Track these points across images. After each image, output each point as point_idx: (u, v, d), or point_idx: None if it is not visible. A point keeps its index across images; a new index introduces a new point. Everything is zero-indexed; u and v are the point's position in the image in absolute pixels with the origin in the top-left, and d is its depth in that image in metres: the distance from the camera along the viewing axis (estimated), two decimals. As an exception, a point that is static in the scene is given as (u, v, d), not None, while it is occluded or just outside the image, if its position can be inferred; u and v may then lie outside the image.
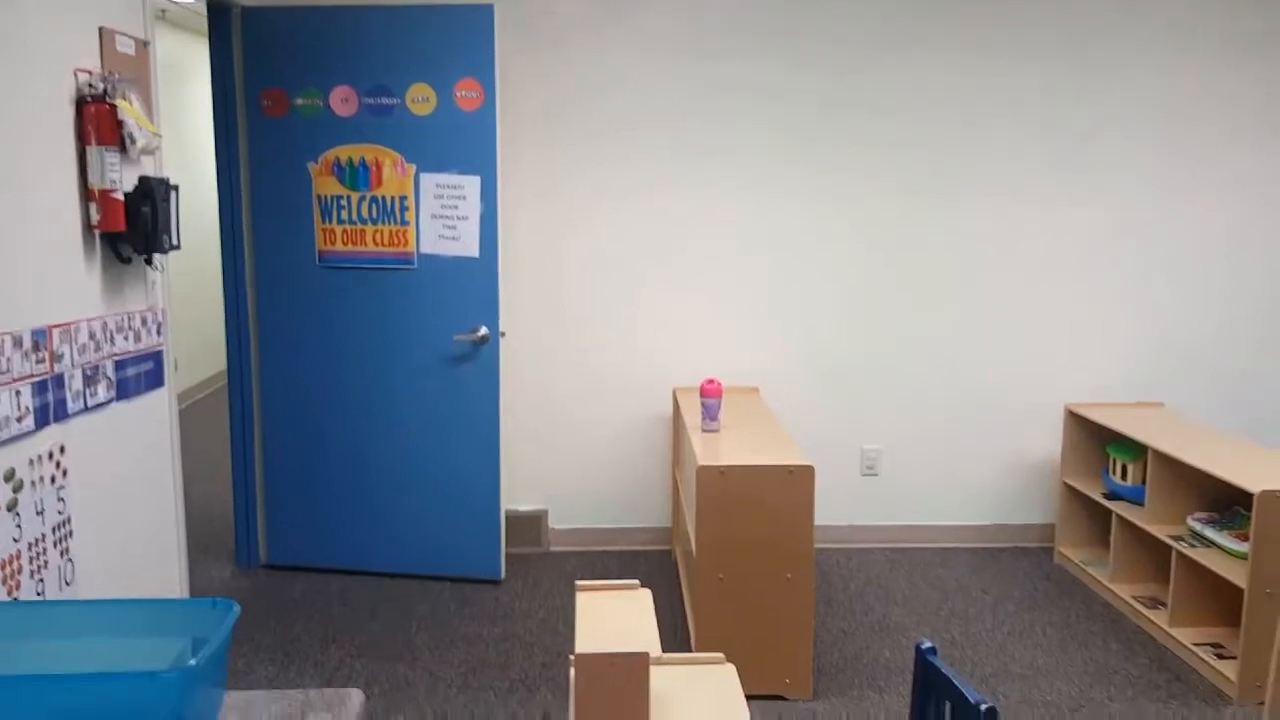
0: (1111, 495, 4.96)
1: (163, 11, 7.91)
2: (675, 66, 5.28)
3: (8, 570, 2.99)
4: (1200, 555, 4.23)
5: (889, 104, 5.34)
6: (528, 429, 5.51)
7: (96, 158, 3.39)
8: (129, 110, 3.47)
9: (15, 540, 3.02)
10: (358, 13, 4.82)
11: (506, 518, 5.29)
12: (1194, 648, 4.26)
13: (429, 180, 4.86)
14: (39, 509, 3.14)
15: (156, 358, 3.89)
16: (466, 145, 4.81)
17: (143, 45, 3.75)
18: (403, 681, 4.13)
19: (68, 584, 3.29)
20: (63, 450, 3.27)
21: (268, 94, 4.94)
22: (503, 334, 4.99)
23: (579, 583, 2.55)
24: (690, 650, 4.22)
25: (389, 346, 5.00)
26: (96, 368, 3.46)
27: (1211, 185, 5.45)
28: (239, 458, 5.27)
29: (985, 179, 5.40)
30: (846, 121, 5.35)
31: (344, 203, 4.93)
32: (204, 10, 5.05)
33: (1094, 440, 5.25)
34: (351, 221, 4.94)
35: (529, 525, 5.55)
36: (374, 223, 4.92)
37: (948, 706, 2.18)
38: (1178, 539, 4.39)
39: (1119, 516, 4.82)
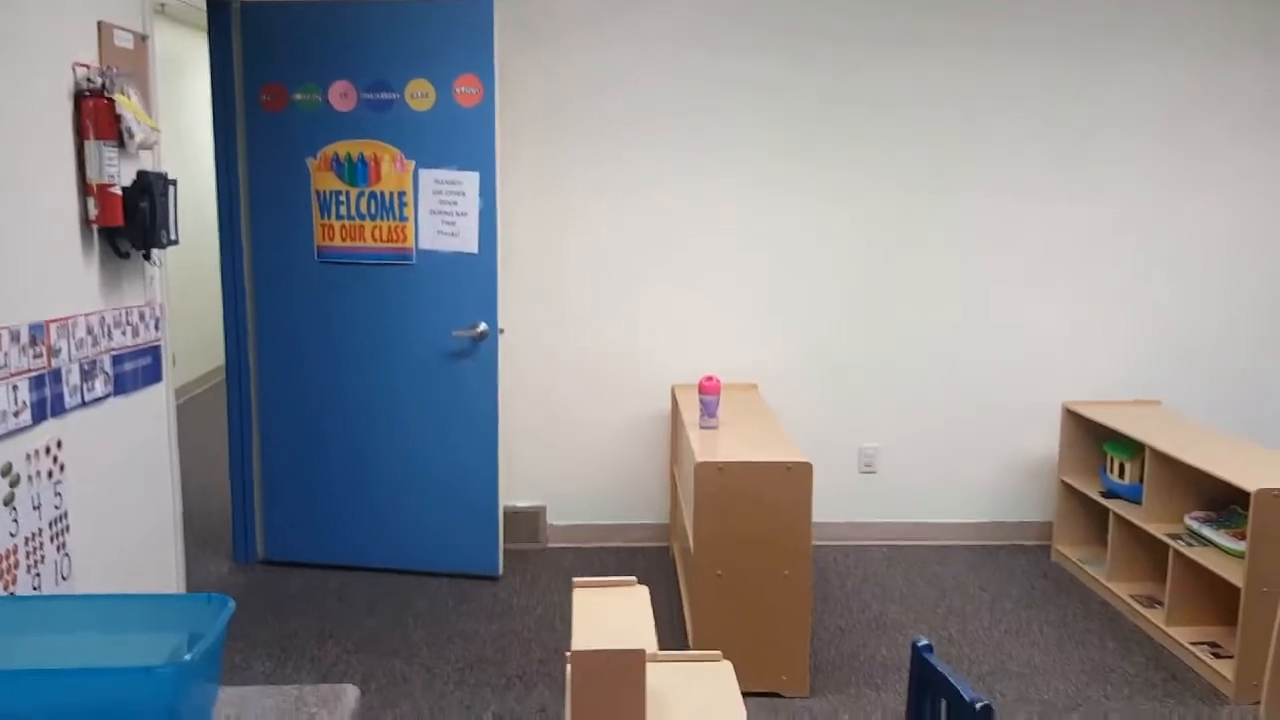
0: (1109, 494, 4.97)
1: (161, 5, 7.90)
2: (675, 63, 5.28)
3: (4, 565, 2.99)
4: (1197, 554, 4.23)
5: (889, 101, 5.34)
6: (526, 425, 5.51)
7: (95, 152, 3.39)
8: (127, 105, 3.47)
9: (12, 535, 3.02)
10: (357, 8, 4.81)
11: (504, 514, 5.29)
12: (1191, 646, 4.26)
13: (428, 176, 4.86)
14: (36, 504, 3.14)
15: (154, 353, 3.88)
16: (465, 141, 4.81)
17: (141, 40, 3.75)
18: (399, 677, 4.13)
19: (64, 579, 3.29)
20: (60, 445, 3.27)
21: (267, 89, 4.94)
22: (501, 330, 4.99)
23: (576, 579, 2.55)
24: (688, 647, 4.22)
25: (387, 342, 5.00)
26: (94, 362, 3.46)
27: (1211, 182, 5.45)
28: (237, 453, 5.27)
29: (985, 175, 5.40)
30: (846, 118, 5.35)
31: (343, 198, 4.93)
32: (203, 4, 5.04)
33: (1092, 438, 5.25)
34: (350, 217, 4.93)
35: (527, 521, 5.55)
36: (373, 218, 4.92)
37: (944, 704, 2.18)
38: (1175, 538, 4.39)
39: (1116, 515, 4.82)
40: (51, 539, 3.22)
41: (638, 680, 2.06)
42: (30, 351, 3.11)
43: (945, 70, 5.31)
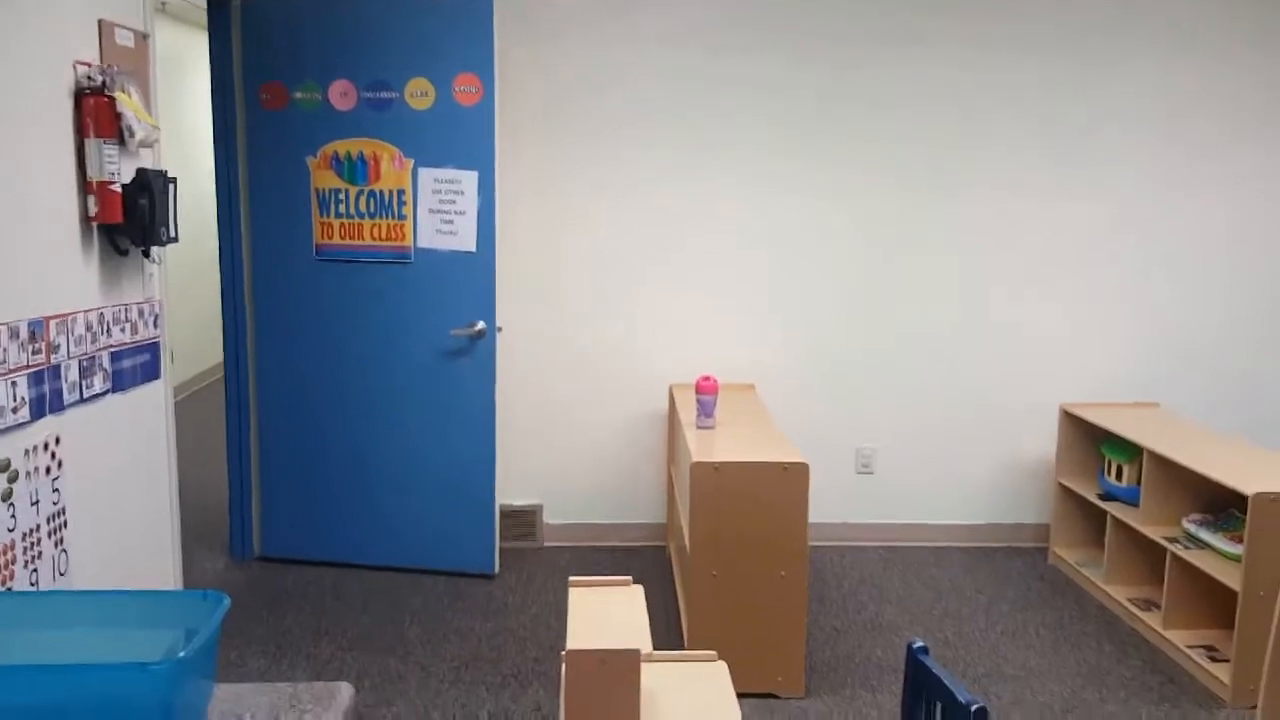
0: (1106, 496, 4.97)
1: (162, 4, 7.91)
2: (674, 62, 5.28)
3: (2, 561, 3.00)
4: (1194, 557, 4.23)
5: (888, 99, 5.34)
6: (524, 424, 5.51)
7: (95, 150, 3.39)
8: (128, 103, 3.47)
9: (10, 530, 3.03)
10: (357, 7, 4.82)
11: (501, 512, 5.29)
12: (1187, 650, 4.27)
13: (427, 175, 4.86)
14: (34, 499, 3.14)
15: (153, 349, 3.89)
16: (465, 140, 4.81)
17: (142, 38, 3.75)
18: (394, 675, 4.14)
19: (62, 574, 3.30)
20: (58, 441, 3.27)
21: (266, 87, 4.94)
22: (499, 329, 5.00)
23: (572, 578, 2.55)
24: (683, 647, 4.22)
25: (386, 340, 5.01)
26: (93, 359, 3.46)
27: (1211, 181, 5.45)
28: (234, 450, 5.28)
29: (984, 175, 5.41)
30: (846, 117, 5.36)
31: (342, 197, 4.93)
32: (203, 3, 5.05)
33: (1089, 440, 5.25)
34: (349, 215, 4.94)
35: (523, 520, 5.56)
36: (371, 217, 4.92)
37: (939, 706, 2.18)
38: (1172, 540, 4.40)
39: (1113, 517, 4.82)
40: (49, 535, 3.23)
41: (633, 680, 2.06)
42: (29, 348, 3.11)
43: (944, 69, 5.32)
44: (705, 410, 4.48)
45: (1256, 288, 5.53)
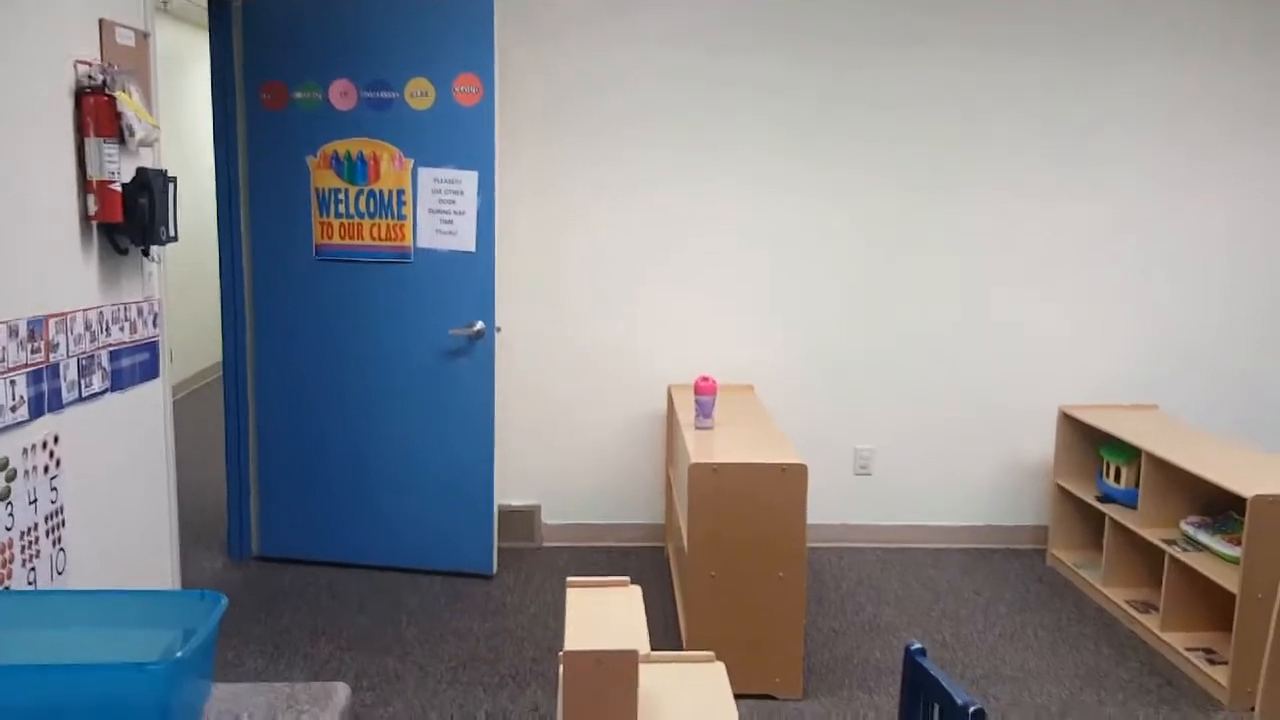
0: (1104, 498, 4.97)
1: (163, 3, 7.91)
2: (675, 62, 5.29)
3: (0, 559, 3.00)
4: (1192, 559, 4.23)
5: (889, 99, 5.34)
6: (523, 424, 5.51)
7: (95, 149, 3.39)
8: (128, 102, 3.47)
9: (8, 529, 3.03)
10: (357, 7, 4.82)
11: (499, 512, 5.29)
12: (1185, 652, 4.27)
13: (427, 175, 4.86)
14: (32, 498, 3.14)
15: (152, 348, 3.89)
16: (465, 140, 4.82)
17: (143, 37, 3.75)
18: (392, 675, 4.14)
19: (59, 573, 3.30)
20: (56, 440, 3.27)
21: (267, 87, 4.94)
22: (499, 329, 5.00)
23: (570, 579, 2.55)
24: (681, 648, 4.22)
25: (385, 340, 5.01)
26: (92, 358, 3.46)
27: (1211, 182, 5.45)
28: (233, 449, 5.28)
29: (985, 175, 5.41)
30: (846, 117, 5.36)
31: (341, 196, 4.93)
32: (204, 2, 5.05)
33: (1087, 442, 5.25)
34: (349, 215, 4.94)
35: (522, 520, 5.56)
36: (371, 217, 4.92)
37: (936, 708, 2.18)
38: (1170, 543, 4.40)
39: (1112, 519, 4.83)
40: (47, 534, 3.23)
41: (631, 681, 2.06)
42: (28, 346, 3.11)
43: (945, 69, 5.32)
44: (704, 411, 4.49)
45: (1257, 288, 5.53)
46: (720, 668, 2.35)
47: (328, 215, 4.96)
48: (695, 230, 5.41)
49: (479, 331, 4.90)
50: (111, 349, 3.59)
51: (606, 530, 5.62)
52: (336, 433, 5.12)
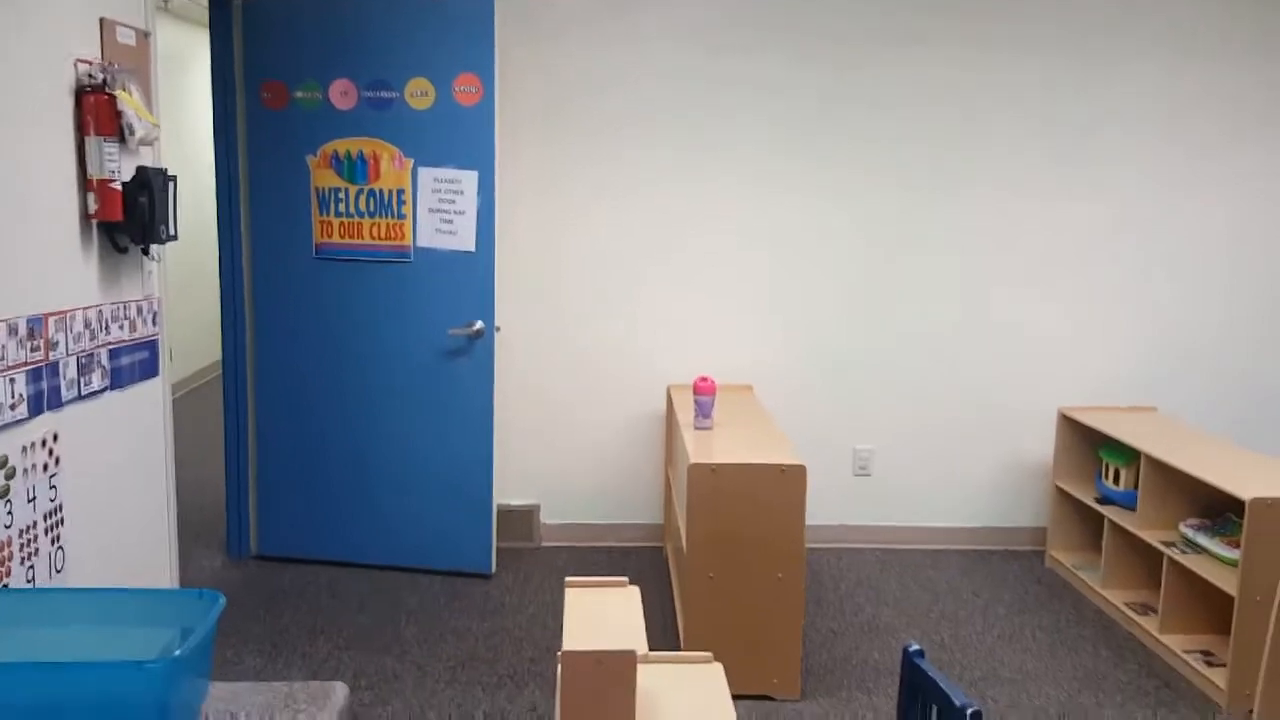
0: (1103, 500, 4.97)
1: (164, 2, 7.91)
2: (675, 62, 5.29)
3: (-2, 557, 3.00)
4: (1191, 561, 4.24)
5: (889, 99, 5.34)
6: (522, 423, 5.52)
7: (95, 148, 3.39)
8: (128, 101, 3.47)
9: (6, 527, 3.03)
10: (358, 7, 4.82)
11: (498, 512, 5.29)
12: (1184, 655, 4.27)
13: (427, 174, 4.87)
14: (31, 496, 3.14)
15: (151, 347, 3.89)
16: (465, 140, 4.82)
17: (143, 36, 3.76)
18: (390, 674, 4.14)
19: (58, 571, 3.30)
20: (56, 438, 3.27)
21: (267, 86, 4.95)
22: (498, 329, 5.00)
23: (568, 579, 2.56)
24: (679, 648, 4.22)
25: (384, 339, 5.01)
26: (91, 356, 3.46)
27: (1211, 182, 5.45)
28: (232, 448, 5.28)
29: (985, 174, 5.41)
30: (846, 117, 5.36)
31: (341, 196, 4.93)
32: (205, 1, 5.05)
33: (1087, 444, 5.25)
34: (349, 214, 4.94)
35: (521, 520, 5.56)
36: (371, 216, 4.92)
37: (934, 710, 2.18)
38: (1169, 545, 4.40)
39: (1111, 521, 4.83)
40: (46, 532, 3.23)
41: (628, 681, 2.06)
42: (28, 344, 3.11)
43: (945, 69, 5.32)
44: (703, 411, 4.49)
45: (1257, 288, 5.53)
46: (718, 668, 2.35)
47: (328, 214, 4.96)
48: (695, 230, 5.41)
49: (478, 331, 4.90)
50: (111, 347, 3.59)
51: (605, 530, 5.62)
52: (336, 432, 5.12)
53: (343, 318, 5.03)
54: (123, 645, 1.82)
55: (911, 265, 5.47)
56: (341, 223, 4.95)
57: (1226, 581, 4.01)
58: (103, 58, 3.48)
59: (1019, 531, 5.68)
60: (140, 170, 3.53)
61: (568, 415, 5.54)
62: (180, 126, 8.66)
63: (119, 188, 3.47)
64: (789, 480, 3.92)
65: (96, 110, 3.38)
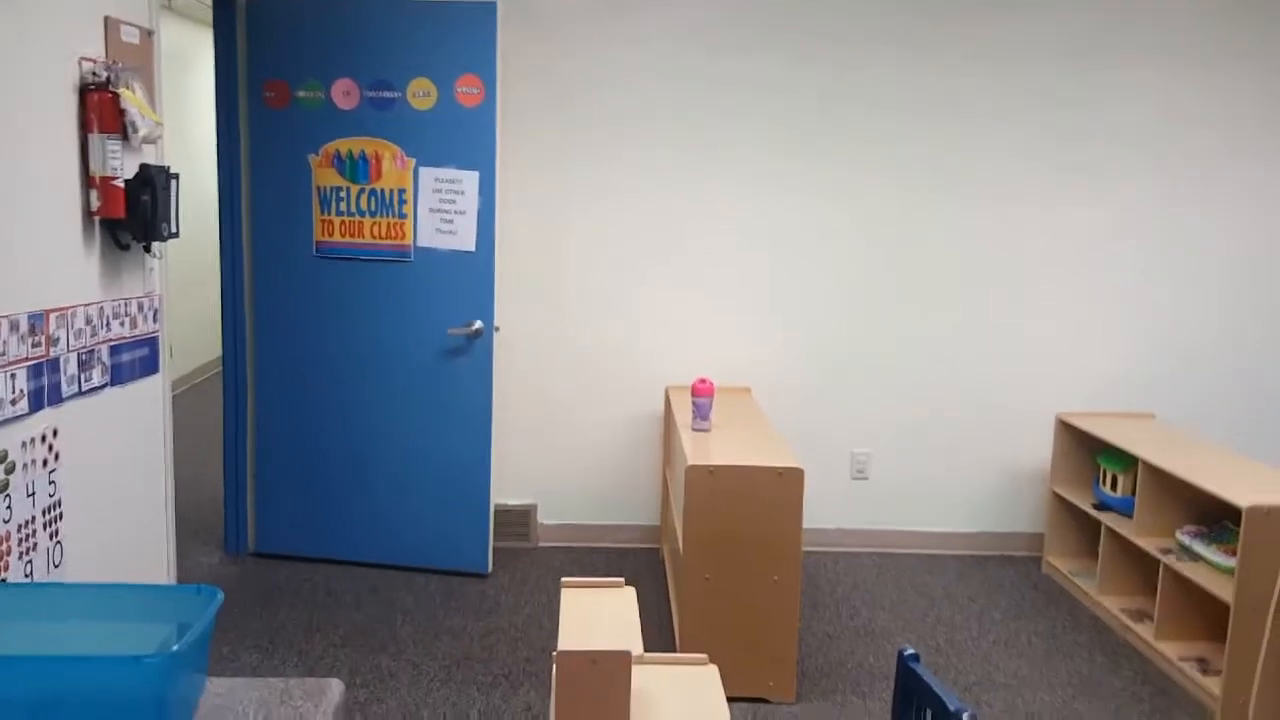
0: (1101, 506, 4.98)
1: (168, 1, 7.92)
2: (675, 62, 5.29)
3: (-3, 552, 3.01)
4: (1188, 569, 4.24)
5: (889, 101, 5.35)
6: (521, 423, 5.52)
7: (98, 145, 3.41)
8: (131, 99, 3.49)
9: (5, 522, 3.03)
10: (360, 7, 4.83)
11: (495, 512, 5.30)
12: (1179, 662, 4.27)
13: (428, 174, 4.88)
14: (30, 491, 3.15)
15: (152, 344, 3.90)
16: (466, 140, 4.83)
17: (147, 35, 3.77)
18: (386, 673, 4.14)
19: (56, 566, 3.31)
20: (55, 434, 3.28)
21: (270, 85, 4.95)
22: (497, 329, 5.01)
23: (564, 579, 2.56)
24: (675, 649, 4.23)
25: (383, 338, 5.02)
26: (92, 352, 3.47)
27: (1210, 187, 5.45)
28: (231, 445, 5.29)
29: (985, 177, 5.41)
30: (846, 117, 5.36)
31: (343, 195, 4.94)
32: (209, 0, 5.06)
33: (1084, 450, 5.26)
34: (350, 213, 4.95)
35: (518, 520, 5.57)
36: (372, 215, 4.93)
37: (928, 714, 2.19)
38: (1166, 552, 4.41)
39: (1108, 528, 4.83)
40: (44, 526, 3.24)
41: (623, 682, 2.07)
42: (29, 340, 3.12)
43: (945, 72, 5.33)
44: (701, 413, 4.49)
45: (1255, 294, 5.54)
46: (713, 670, 2.36)
47: (329, 213, 4.97)
48: (695, 230, 5.42)
49: (477, 331, 4.91)
50: (112, 344, 3.60)
51: (603, 531, 5.63)
52: (334, 430, 5.13)
53: (343, 316, 5.04)
54: (120, 640, 1.83)
55: (911, 268, 5.47)
56: (342, 222, 4.96)
57: (1223, 589, 4.02)
58: (106, 56, 3.49)
59: (1016, 537, 5.68)
60: (143, 168, 3.54)
61: (566, 416, 5.55)
62: (183, 125, 8.67)
63: (121, 185, 3.48)
64: (786, 483, 3.92)
65: (100, 108, 3.39)
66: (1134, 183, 5.43)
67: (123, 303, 3.67)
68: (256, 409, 5.22)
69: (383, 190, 4.91)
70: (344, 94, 4.89)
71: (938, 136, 5.38)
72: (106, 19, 3.50)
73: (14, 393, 3.05)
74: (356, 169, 4.92)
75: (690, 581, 4.00)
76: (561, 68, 5.29)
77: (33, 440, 3.16)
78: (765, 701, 4.02)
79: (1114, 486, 4.89)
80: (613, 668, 2.07)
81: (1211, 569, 4.21)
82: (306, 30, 4.88)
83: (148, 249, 3.79)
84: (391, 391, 5.05)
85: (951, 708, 2.06)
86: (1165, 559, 4.35)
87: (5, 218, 3.02)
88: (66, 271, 3.34)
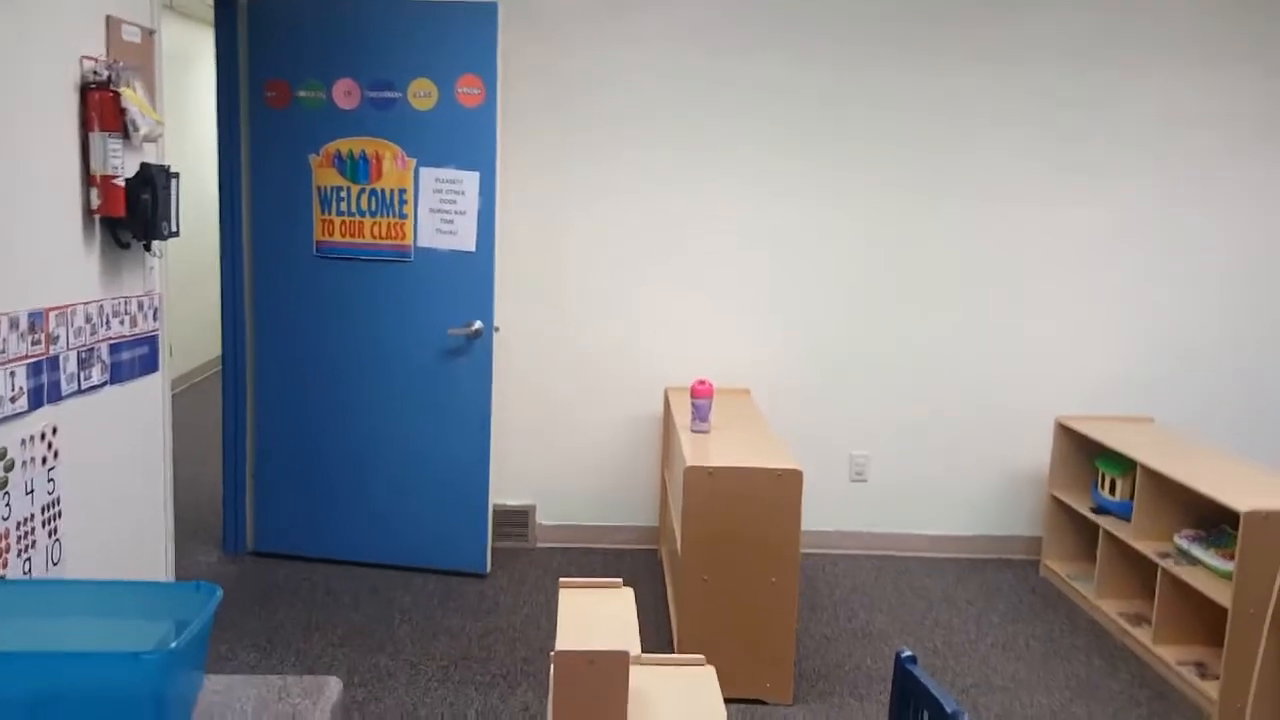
0: (1099, 510, 4.98)
1: (169, 0, 7.93)
2: (675, 62, 5.30)
3: (-5, 549, 3.01)
4: (1186, 573, 4.24)
5: (889, 101, 5.35)
6: (520, 424, 5.52)
7: (99, 144, 3.41)
8: (132, 98, 3.49)
9: (4, 519, 3.04)
10: (362, 7, 4.83)
11: (494, 512, 5.30)
12: (1177, 666, 4.27)
13: (428, 175, 4.88)
14: (29, 489, 3.15)
15: (151, 342, 3.90)
16: (466, 141, 4.83)
17: (148, 34, 3.77)
18: (384, 672, 4.15)
19: (55, 564, 3.31)
20: (55, 431, 3.28)
21: (271, 85, 4.96)
22: (497, 329, 5.01)
23: (563, 579, 2.57)
24: (673, 651, 4.23)
25: (383, 338, 5.02)
26: (91, 351, 3.47)
27: (1210, 190, 5.45)
28: (230, 444, 5.29)
29: (984, 179, 5.41)
30: (847, 118, 5.36)
31: (343, 195, 4.95)
32: (210, 0, 5.07)
33: (1083, 453, 5.26)
34: (350, 213, 4.95)
35: (516, 520, 5.57)
36: (373, 215, 4.94)
37: (925, 715, 2.19)
38: (1164, 556, 4.41)
39: (1106, 531, 4.84)
40: (43, 524, 3.24)
41: (621, 682, 2.07)
42: (29, 338, 3.12)
43: (945, 73, 5.33)
44: (700, 414, 4.50)
45: (1255, 297, 5.54)
46: (711, 671, 2.36)
47: (329, 213, 4.97)
48: (695, 230, 5.42)
49: (477, 331, 4.92)
50: (111, 342, 3.61)
51: (601, 532, 5.63)
52: (333, 430, 5.13)
53: (342, 316, 5.04)
54: (119, 636, 1.83)
55: (910, 269, 5.47)
56: (343, 221, 4.96)
57: (1221, 593, 4.02)
58: (108, 55, 3.50)
59: (1014, 540, 5.68)
60: (143, 167, 3.54)
61: (565, 416, 5.55)
62: (184, 124, 8.67)
63: (122, 184, 3.49)
64: (785, 485, 3.93)
65: (101, 107, 3.40)
66: (1134, 183, 5.44)
67: (123, 301, 3.68)
68: (256, 408, 5.22)
69: (383, 190, 4.91)
70: (345, 94, 4.90)
71: (938, 137, 5.38)
72: (108, 18, 3.50)
73: (13, 390, 3.06)
74: (357, 169, 4.92)
75: (688, 583, 4.00)
76: (561, 68, 5.29)
77: (32, 438, 3.16)
78: (762, 703, 4.02)
79: (1112, 490, 4.89)
80: (610, 668, 2.07)
81: (1210, 573, 4.21)
82: (307, 30, 4.89)
83: (148, 248, 3.80)
84: (391, 391, 5.05)
85: (948, 710, 2.06)
86: (1163, 563, 4.36)
87: (6, 215, 3.02)
88: (67, 269, 3.35)
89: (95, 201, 3.43)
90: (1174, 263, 5.51)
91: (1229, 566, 4.05)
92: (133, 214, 3.53)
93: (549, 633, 4.54)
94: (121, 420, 3.71)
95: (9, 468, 3.05)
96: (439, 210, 4.88)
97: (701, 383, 4.49)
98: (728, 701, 2.24)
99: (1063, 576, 5.21)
